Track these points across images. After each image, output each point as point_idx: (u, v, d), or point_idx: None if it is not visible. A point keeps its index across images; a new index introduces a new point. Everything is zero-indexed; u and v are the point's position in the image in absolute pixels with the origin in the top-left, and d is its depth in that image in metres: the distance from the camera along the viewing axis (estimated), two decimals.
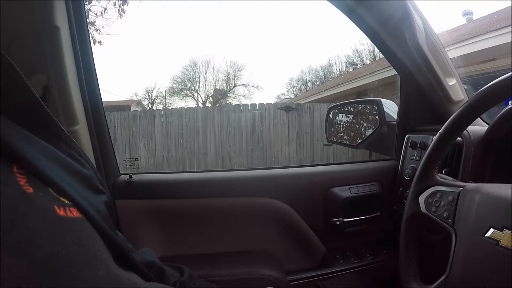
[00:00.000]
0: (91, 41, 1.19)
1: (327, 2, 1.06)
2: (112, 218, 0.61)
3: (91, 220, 0.47)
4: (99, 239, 0.47)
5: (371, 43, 1.21)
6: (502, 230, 0.59)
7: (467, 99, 0.96)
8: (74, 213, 0.44)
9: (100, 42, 11.63)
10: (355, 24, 1.13)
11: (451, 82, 1.17)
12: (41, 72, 1.05)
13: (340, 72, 24.96)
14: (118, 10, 11.91)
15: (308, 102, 11.23)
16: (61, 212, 0.42)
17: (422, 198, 0.80)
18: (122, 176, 1.26)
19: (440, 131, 0.79)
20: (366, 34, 1.17)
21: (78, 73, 1.13)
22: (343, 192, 1.24)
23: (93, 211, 0.48)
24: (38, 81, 1.05)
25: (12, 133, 0.43)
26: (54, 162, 0.49)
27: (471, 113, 0.76)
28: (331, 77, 25.03)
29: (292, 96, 26.33)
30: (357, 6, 1.05)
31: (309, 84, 27.50)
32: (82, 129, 1.13)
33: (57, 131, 0.57)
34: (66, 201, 0.44)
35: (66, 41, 1.07)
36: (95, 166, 0.66)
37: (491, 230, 0.61)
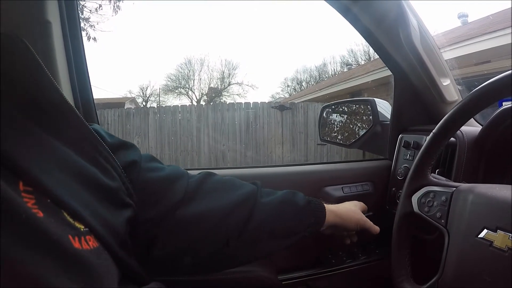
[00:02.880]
0: (83, 38, 1.17)
1: (323, 1, 1.05)
2: (138, 232, 0.58)
3: (107, 249, 0.43)
4: (113, 270, 0.43)
5: (366, 43, 1.20)
6: (495, 231, 0.59)
7: (461, 99, 0.96)
8: (90, 243, 0.40)
9: (94, 39, 11.59)
10: (350, 23, 1.13)
11: (445, 83, 1.17)
12: None
13: (334, 72, 25.10)
14: (113, 6, 11.88)
15: (302, 101, 11.26)
16: (76, 244, 0.37)
17: (415, 198, 0.80)
18: None
19: (433, 131, 0.79)
20: (361, 34, 1.16)
21: (70, 70, 1.10)
22: (336, 191, 1.23)
23: (111, 236, 0.44)
24: None
25: (17, 142, 0.38)
26: (69, 174, 0.43)
27: (465, 113, 0.75)
28: (326, 77, 25.15)
29: (287, 95, 26.51)
30: (353, 5, 1.05)
31: (303, 83, 27.69)
32: None
33: (81, 127, 0.51)
34: (82, 228, 0.40)
35: (58, 37, 1.05)
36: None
37: (485, 231, 0.61)
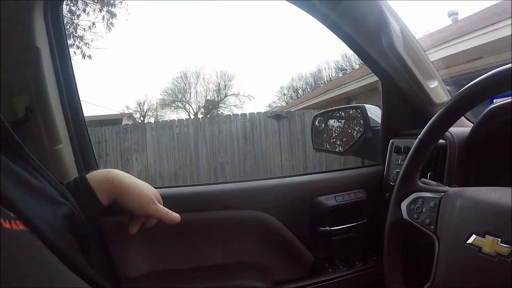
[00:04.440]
0: (78, 56, 1.20)
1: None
2: (78, 228, 0.61)
3: (37, 233, 0.46)
4: (47, 254, 0.45)
5: None
6: (484, 236, 0.58)
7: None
8: (20, 226, 0.43)
9: (89, 56, 11.66)
10: (333, 32, 1.13)
11: (432, 85, 1.16)
12: (23, 93, 1.05)
13: (330, 78, 25.17)
14: (107, 24, 11.97)
15: (299, 109, 11.28)
16: (6, 224, 0.41)
17: (404, 205, 0.79)
18: None
19: (419, 136, 0.78)
20: (344, 42, 1.16)
21: (60, 92, 1.12)
22: (329, 200, 1.22)
23: (42, 224, 0.48)
24: (21, 102, 1.05)
25: None
26: (6, 174, 0.48)
27: (450, 115, 0.75)
28: (321, 83, 25.24)
29: (284, 103, 26.56)
30: (331, 13, 1.05)
31: (299, 91, 27.78)
32: (65, 147, 1.12)
33: (12, 142, 0.56)
34: (12, 214, 0.44)
35: (47, 60, 1.07)
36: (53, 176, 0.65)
37: (473, 236, 0.60)
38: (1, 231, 0.40)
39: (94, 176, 0.82)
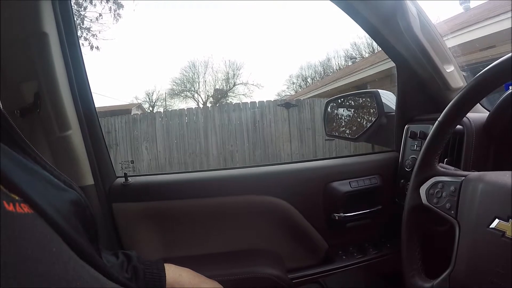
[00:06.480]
0: (86, 48, 1.19)
1: None
2: (86, 216, 0.60)
3: (45, 217, 0.45)
4: (54, 235, 0.44)
5: (368, 36, 1.18)
6: (507, 221, 0.57)
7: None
8: (25, 209, 0.42)
9: (97, 48, 11.67)
10: (348, 15, 1.11)
11: (449, 69, 1.14)
12: (32, 79, 1.05)
13: (339, 67, 24.97)
14: (114, 14, 11.96)
15: (308, 97, 11.21)
16: (10, 207, 0.39)
17: (423, 190, 0.77)
18: (118, 179, 1.25)
19: (438, 119, 0.76)
20: (359, 25, 1.14)
21: (69, 78, 1.12)
22: (343, 186, 1.21)
23: (49, 208, 0.46)
24: (29, 88, 1.05)
25: None
26: (8, 158, 0.47)
27: (470, 98, 0.72)
28: (330, 71, 25.05)
29: (293, 92, 26.41)
30: None
31: (308, 79, 27.61)
32: (75, 134, 1.12)
33: (12, 134, 0.55)
34: (17, 198, 0.42)
35: (55, 46, 1.07)
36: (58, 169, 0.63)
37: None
38: (2, 214, 0.38)
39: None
